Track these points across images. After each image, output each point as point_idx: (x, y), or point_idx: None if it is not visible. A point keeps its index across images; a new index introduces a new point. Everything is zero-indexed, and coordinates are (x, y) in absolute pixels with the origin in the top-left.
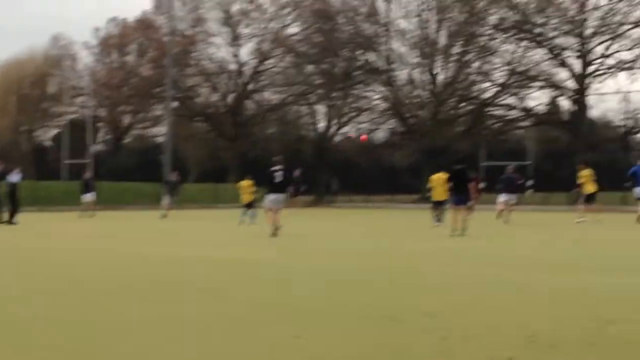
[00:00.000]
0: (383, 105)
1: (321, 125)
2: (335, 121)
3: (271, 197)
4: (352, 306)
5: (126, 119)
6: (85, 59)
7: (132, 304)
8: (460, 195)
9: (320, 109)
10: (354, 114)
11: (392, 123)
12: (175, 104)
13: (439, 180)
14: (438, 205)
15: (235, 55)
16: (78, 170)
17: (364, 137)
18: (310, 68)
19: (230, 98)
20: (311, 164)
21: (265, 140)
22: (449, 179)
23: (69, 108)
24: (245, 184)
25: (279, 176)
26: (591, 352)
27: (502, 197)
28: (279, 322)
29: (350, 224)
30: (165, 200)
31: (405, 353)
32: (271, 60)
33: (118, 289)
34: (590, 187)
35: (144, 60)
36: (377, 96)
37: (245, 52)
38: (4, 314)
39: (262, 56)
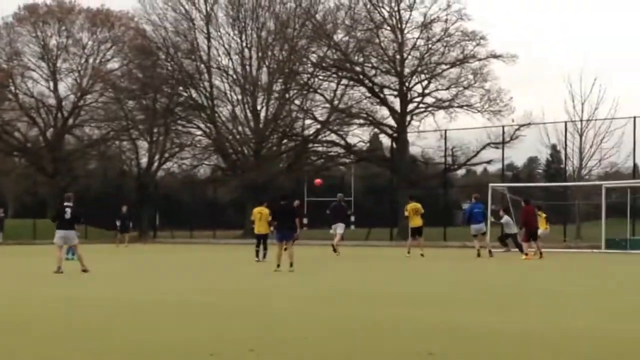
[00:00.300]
0: (205, 141)
1: (143, 160)
2: (157, 156)
3: (61, 234)
4: (173, 343)
5: None
6: None
7: None
8: (285, 230)
9: (143, 144)
10: (176, 149)
11: (214, 159)
12: None
13: (259, 214)
14: (260, 238)
15: (54, 90)
16: None
17: (318, 180)
18: (131, 103)
19: (49, 133)
20: (134, 200)
21: (86, 176)
22: (274, 215)
23: None
24: None
25: (68, 213)
26: None
27: (339, 228)
28: None
29: (165, 260)
30: None
31: None
32: (91, 96)
33: None
34: (415, 221)
35: None
36: (199, 132)
37: (65, 86)
38: None
39: (81, 91)
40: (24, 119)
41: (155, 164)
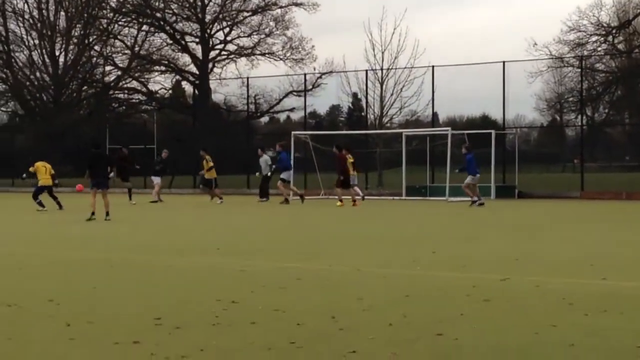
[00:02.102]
0: (2, 86)
1: None
2: None
3: None
4: None
5: None
6: None
7: None
8: (99, 178)
9: None
10: None
11: (12, 105)
12: None
13: (44, 168)
14: (45, 189)
15: None
16: None
17: (79, 186)
18: None
19: None
20: None
21: None
22: (88, 163)
23: None
24: None
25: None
26: (215, 332)
27: (157, 179)
28: None
29: None
30: None
31: (27, 340)
32: None
33: None
34: (212, 173)
35: None
36: None
37: None
38: None
39: None
40: None
41: None
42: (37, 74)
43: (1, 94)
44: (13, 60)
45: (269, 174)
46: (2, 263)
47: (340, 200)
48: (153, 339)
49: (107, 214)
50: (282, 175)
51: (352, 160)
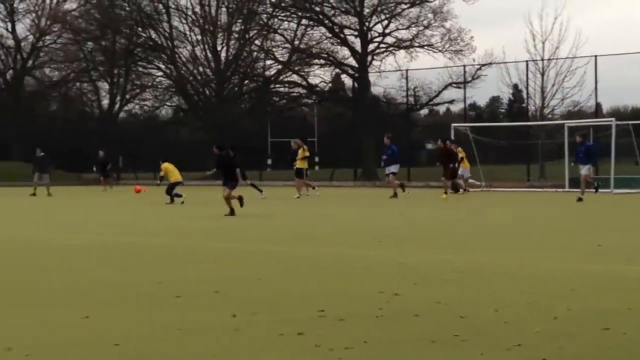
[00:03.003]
0: (166, 82)
1: (105, 102)
2: (118, 98)
3: None
4: (136, 284)
5: None
6: None
7: None
8: (228, 182)
9: (103, 85)
10: (137, 91)
11: (176, 100)
12: None
13: (172, 167)
14: (175, 186)
15: (12, 31)
16: None
17: (138, 188)
18: (90, 45)
19: (9, 74)
20: (96, 142)
21: (48, 117)
22: (217, 166)
23: None
24: None
25: None
26: (378, 324)
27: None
28: (68, 303)
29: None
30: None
31: (195, 330)
32: (50, 37)
33: None
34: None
35: None
36: (159, 73)
37: (23, 27)
38: None
39: (40, 32)
40: None
41: (117, 106)
42: (200, 68)
43: (166, 89)
44: (177, 55)
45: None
46: (171, 254)
47: (445, 193)
48: (317, 330)
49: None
50: (393, 169)
51: (463, 154)
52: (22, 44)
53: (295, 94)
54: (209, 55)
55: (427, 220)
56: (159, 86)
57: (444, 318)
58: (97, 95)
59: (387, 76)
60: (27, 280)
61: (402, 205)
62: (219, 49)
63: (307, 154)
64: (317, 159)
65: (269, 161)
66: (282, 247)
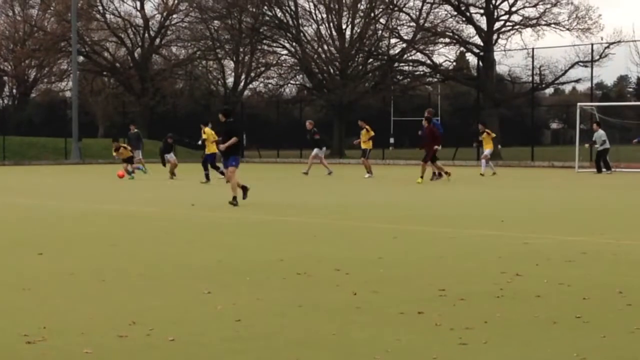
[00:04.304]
0: (291, 60)
1: (230, 80)
2: (243, 76)
3: None
4: (260, 262)
5: (32, 74)
6: None
7: (38, 258)
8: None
9: (229, 64)
10: (262, 69)
11: (300, 78)
12: (81, 58)
13: (211, 135)
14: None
15: (141, 9)
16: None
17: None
18: (217, 23)
19: (137, 53)
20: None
21: (174, 96)
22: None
23: None
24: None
25: None
26: (499, 304)
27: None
28: (188, 278)
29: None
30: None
31: (315, 307)
32: (177, 15)
33: (24, 242)
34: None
35: (49, 14)
36: (284, 52)
37: (151, 6)
38: None
39: (167, 11)
40: (112, 39)
41: (242, 84)
42: (325, 47)
43: (290, 68)
44: (302, 34)
45: (603, 147)
46: (296, 231)
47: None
48: (437, 309)
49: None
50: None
51: (492, 135)
52: (150, 22)
53: (419, 73)
54: (334, 33)
55: (551, 200)
56: (284, 64)
57: (566, 299)
58: (222, 73)
59: (513, 55)
60: (163, 254)
61: (524, 186)
62: (343, 27)
63: (372, 133)
64: (391, 140)
65: (392, 140)
66: (402, 225)
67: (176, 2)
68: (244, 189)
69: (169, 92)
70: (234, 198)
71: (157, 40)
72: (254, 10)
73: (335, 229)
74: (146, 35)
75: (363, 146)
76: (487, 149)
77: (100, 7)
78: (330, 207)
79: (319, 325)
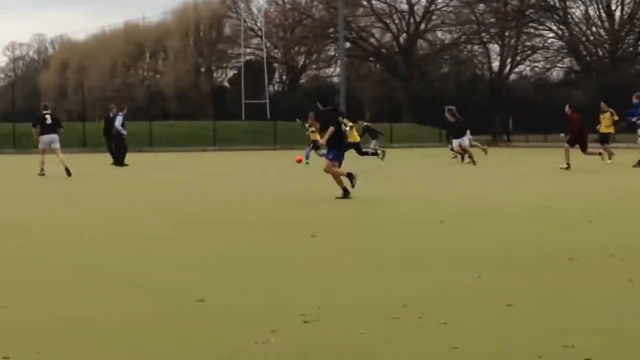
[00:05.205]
0: (558, 43)
1: (495, 64)
2: (509, 60)
3: (45, 138)
4: (529, 248)
5: (300, 60)
6: (259, 0)
7: (311, 239)
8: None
9: (494, 47)
10: (528, 52)
11: (567, 61)
12: (348, 44)
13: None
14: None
15: None
16: (255, 111)
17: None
18: (482, 7)
19: (402, 38)
20: (485, 104)
21: (439, 80)
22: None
23: (245, 50)
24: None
25: (48, 119)
26: None
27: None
28: (460, 262)
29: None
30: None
31: (588, 295)
32: (442, 0)
33: (296, 223)
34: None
35: (316, 1)
36: (551, 34)
37: None
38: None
39: None
40: (377, 25)
41: (507, 68)
42: (593, 29)
43: (557, 51)
44: (569, 16)
45: None
46: (570, 217)
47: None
48: None
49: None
50: None
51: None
52: (415, 7)
53: None
54: (603, 15)
55: None
56: (550, 47)
57: None
58: (487, 57)
59: None
60: (441, 240)
61: None
62: (613, 8)
63: (616, 118)
64: None
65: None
66: None
67: None
68: (350, 177)
69: (435, 77)
70: (344, 190)
71: (422, 25)
72: None
73: (609, 215)
74: (411, 20)
75: (605, 130)
76: None
77: None
78: (610, 192)
79: (589, 313)
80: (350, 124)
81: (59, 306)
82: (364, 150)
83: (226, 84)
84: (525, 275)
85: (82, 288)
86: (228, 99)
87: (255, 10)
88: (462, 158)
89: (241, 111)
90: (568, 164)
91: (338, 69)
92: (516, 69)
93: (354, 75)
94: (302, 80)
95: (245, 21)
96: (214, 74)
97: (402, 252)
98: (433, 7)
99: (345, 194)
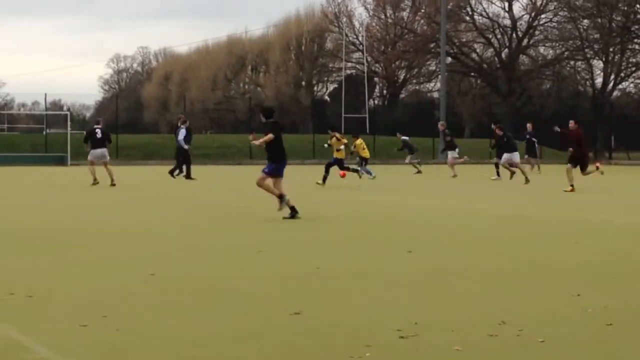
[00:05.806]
0: None
1: (598, 80)
2: (612, 76)
3: (96, 152)
4: (630, 266)
5: (401, 75)
6: (361, 15)
7: (407, 255)
8: None
9: (597, 64)
10: (632, 69)
11: None
12: (449, 59)
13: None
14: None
15: (509, 10)
16: (355, 125)
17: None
18: (586, 22)
19: (504, 53)
20: (587, 121)
21: (540, 96)
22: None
23: (346, 64)
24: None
25: (98, 133)
26: None
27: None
28: (558, 280)
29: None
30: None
31: None
32: (545, 15)
33: (395, 240)
34: None
35: (418, 16)
36: None
37: (519, 6)
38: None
39: (535, 11)
40: (479, 40)
41: (611, 84)
42: None
43: None
44: None
45: None
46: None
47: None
48: None
49: None
50: None
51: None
52: (518, 23)
53: None
54: None
55: None
56: None
57: None
58: (590, 73)
59: None
60: (526, 254)
61: None
62: None
63: None
64: None
65: None
66: None
67: (544, 1)
68: (281, 198)
69: (536, 93)
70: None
71: (525, 41)
72: (625, 8)
73: None
74: (513, 35)
75: None
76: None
77: (468, 9)
78: None
79: None
80: (345, 140)
81: (149, 316)
82: (345, 166)
83: (326, 97)
84: (627, 293)
85: (173, 297)
86: (328, 113)
87: (357, 25)
88: (511, 175)
89: (341, 125)
90: None
91: (439, 84)
92: (620, 86)
93: (454, 90)
94: (402, 95)
95: (346, 35)
96: (315, 88)
97: (499, 268)
98: (536, 22)
99: (293, 213)
